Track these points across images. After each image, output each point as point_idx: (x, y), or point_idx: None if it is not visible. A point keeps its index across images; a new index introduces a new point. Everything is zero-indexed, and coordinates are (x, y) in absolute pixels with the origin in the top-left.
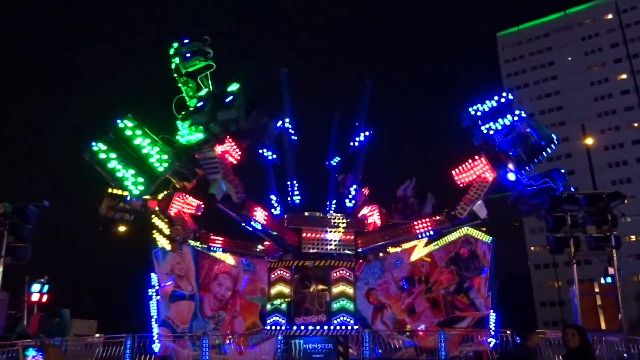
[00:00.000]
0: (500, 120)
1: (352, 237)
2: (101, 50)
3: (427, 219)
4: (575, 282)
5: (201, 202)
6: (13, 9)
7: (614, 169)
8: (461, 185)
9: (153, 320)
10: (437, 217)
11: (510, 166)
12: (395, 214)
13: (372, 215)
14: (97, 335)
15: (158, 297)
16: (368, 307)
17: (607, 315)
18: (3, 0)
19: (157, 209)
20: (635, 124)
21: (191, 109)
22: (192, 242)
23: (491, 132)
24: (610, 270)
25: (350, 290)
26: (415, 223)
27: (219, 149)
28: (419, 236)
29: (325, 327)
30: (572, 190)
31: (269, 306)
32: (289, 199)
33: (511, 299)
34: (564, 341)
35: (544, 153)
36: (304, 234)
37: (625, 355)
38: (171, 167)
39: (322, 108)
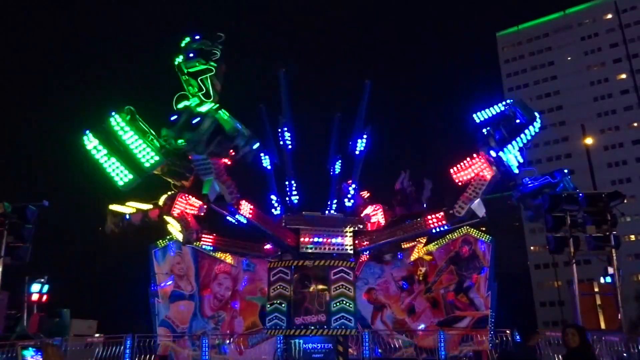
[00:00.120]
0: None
1: (351, 236)
2: (101, 50)
3: (427, 218)
4: (574, 282)
5: (204, 203)
6: (13, 9)
7: (613, 168)
8: (460, 183)
9: (153, 320)
10: (436, 216)
11: (492, 143)
12: (397, 207)
13: (376, 215)
14: (97, 335)
15: (158, 297)
16: (368, 306)
17: (606, 315)
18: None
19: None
20: (635, 124)
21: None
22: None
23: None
24: (610, 270)
25: (350, 290)
26: (413, 222)
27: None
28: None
29: (325, 327)
30: (573, 188)
31: (268, 306)
32: (287, 199)
33: (511, 299)
34: (564, 341)
35: (526, 131)
36: (302, 234)
37: (624, 355)
38: (159, 164)
39: (322, 108)
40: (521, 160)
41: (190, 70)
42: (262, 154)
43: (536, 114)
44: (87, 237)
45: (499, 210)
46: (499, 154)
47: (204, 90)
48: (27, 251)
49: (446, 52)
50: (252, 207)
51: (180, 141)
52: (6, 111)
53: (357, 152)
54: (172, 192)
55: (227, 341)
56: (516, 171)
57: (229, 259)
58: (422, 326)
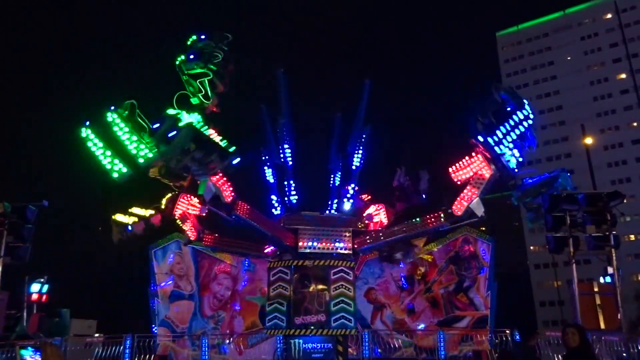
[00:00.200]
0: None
1: (350, 236)
2: (101, 50)
3: (426, 217)
4: (574, 282)
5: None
6: (13, 9)
7: (613, 168)
8: (458, 182)
9: (152, 320)
10: (435, 216)
11: (479, 128)
12: (397, 203)
13: (379, 214)
14: (97, 335)
15: (157, 297)
16: (367, 306)
17: (606, 315)
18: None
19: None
20: (635, 124)
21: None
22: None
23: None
24: (610, 270)
25: (349, 289)
26: (412, 221)
27: None
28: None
29: (325, 327)
30: (572, 185)
31: (268, 306)
32: (285, 199)
33: (511, 299)
34: (563, 341)
35: (514, 117)
36: (301, 234)
37: (624, 354)
38: (153, 160)
39: (322, 108)
40: (520, 159)
41: (189, 72)
42: (265, 166)
43: (525, 101)
44: (87, 237)
45: (499, 210)
46: (495, 148)
47: (203, 92)
48: (27, 251)
49: (446, 52)
50: (248, 207)
51: (154, 151)
52: (6, 111)
53: (356, 161)
54: (174, 193)
55: (227, 341)
56: (515, 169)
57: (229, 259)
58: (421, 326)
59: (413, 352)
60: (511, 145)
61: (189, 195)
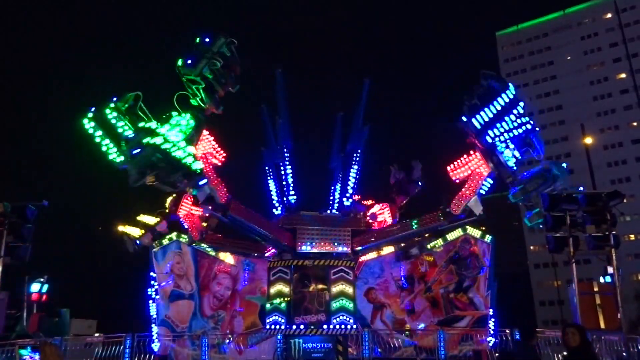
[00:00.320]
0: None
1: (349, 236)
2: (101, 50)
3: (424, 217)
4: (574, 281)
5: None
6: (13, 9)
7: (613, 168)
8: (457, 181)
9: (152, 319)
10: (433, 215)
11: (465, 110)
12: (397, 198)
13: (383, 214)
14: (97, 334)
15: (157, 297)
16: (367, 306)
17: (606, 315)
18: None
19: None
20: (635, 123)
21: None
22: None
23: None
24: (610, 270)
25: (349, 289)
26: (409, 221)
27: (199, 151)
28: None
29: (325, 327)
30: (568, 180)
31: (268, 305)
32: (284, 199)
33: (510, 298)
34: (564, 340)
35: (499, 99)
36: (299, 234)
37: (624, 354)
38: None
39: (321, 108)
40: (518, 156)
41: (186, 77)
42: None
43: (510, 84)
44: (87, 236)
45: (498, 210)
46: (487, 138)
47: (199, 97)
48: (27, 251)
49: (446, 52)
50: (243, 207)
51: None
52: (6, 111)
53: (355, 154)
54: (176, 194)
55: (227, 341)
56: (513, 167)
57: (228, 258)
58: (421, 325)
59: (413, 352)
60: (512, 146)
61: (191, 196)
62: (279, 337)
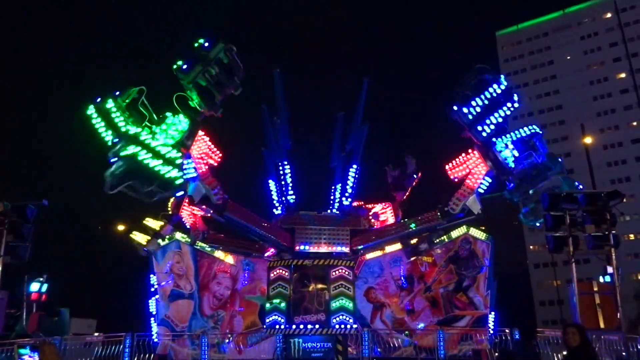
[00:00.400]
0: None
1: (348, 236)
2: (101, 50)
3: (423, 216)
4: (574, 281)
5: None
6: (13, 9)
7: (613, 167)
8: (456, 180)
9: (152, 319)
10: (431, 214)
11: (456, 100)
12: (395, 194)
13: (385, 213)
14: (97, 334)
15: (157, 296)
16: (367, 306)
17: (605, 314)
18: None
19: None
20: (635, 123)
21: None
22: (201, 243)
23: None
24: (609, 269)
25: (349, 289)
26: (406, 221)
27: (194, 151)
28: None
29: (325, 326)
30: (564, 173)
31: (268, 305)
32: (284, 198)
33: (510, 298)
34: (564, 340)
35: (490, 89)
36: (297, 234)
37: (623, 354)
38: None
39: (322, 107)
40: (517, 154)
41: (181, 81)
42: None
43: (502, 76)
44: (86, 236)
45: (498, 210)
46: (478, 130)
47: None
48: (26, 250)
49: (446, 51)
50: (240, 207)
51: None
52: (6, 110)
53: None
54: (177, 196)
55: (227, 340)
56: (512, 165)
57: (228, 258)
58: (421, 325)
59: (412, 352)
60: (511, 146)
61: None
62: (278, 336)
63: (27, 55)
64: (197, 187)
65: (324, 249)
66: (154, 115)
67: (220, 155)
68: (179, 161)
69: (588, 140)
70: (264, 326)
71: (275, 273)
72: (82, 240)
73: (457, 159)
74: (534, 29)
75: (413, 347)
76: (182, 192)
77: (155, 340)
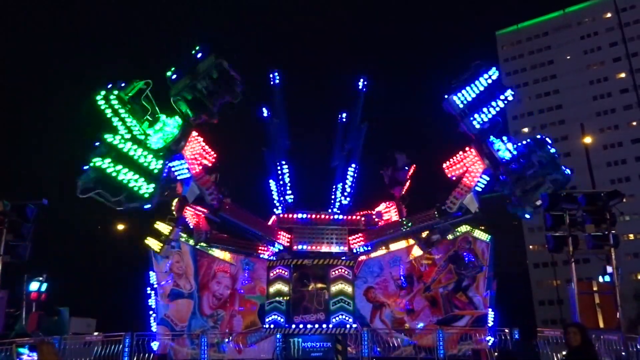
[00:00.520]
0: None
1: (346, 235)
2: (101, 50)
3: (420, 215)
4: (573, 281)
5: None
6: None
7: (612, 167)
8: (454, 178)
9: (152, 318)
10: (428, 213)
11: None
12: (394, 192)
13: (389, 212)
14: (96, 333)
15: (157, 296)
16: (367, 305)
17: (605, 314)
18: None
19: None
20: (634, 123)
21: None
22: (203, 244)
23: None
24: (609, 269)
25: (349, 288)
26: (403, 220)
27: (187, 151)
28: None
29: (324, 326)
30: (556, 156)
31: (267, 305)
32: (281, 198)
33: (510, 298)
34: (565, 340)
35: (481, 79)
36: (295, 233)
37: (623, 353)
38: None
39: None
40: (513, 150)
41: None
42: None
43: (494, 67)
44: (86, 235)
45: (498, 209)
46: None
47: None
48: (26, 249)
49: (446, 51)
50: (235, 207)
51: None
52: (6, 110)
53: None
54: (179, 197)
55: (226, 340)
56: (506, 158)
57: (228, 257)
58: (421, 325)
59: (412, 351)
60: (505, 139)
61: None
62: (278, 336)
63: (27, 55)
64: (191, 188)
65: (321, 248)
66: (157, 109)
67: (215, 155)
68: (157, 172)
69: (588, 140)
70: (264, 326)
71: (274, 272)
72: (82, 240)
73: (454, 158)
74: (534, 28)
75: (412, 347)
76: (148, 206)
77: (155, 339)
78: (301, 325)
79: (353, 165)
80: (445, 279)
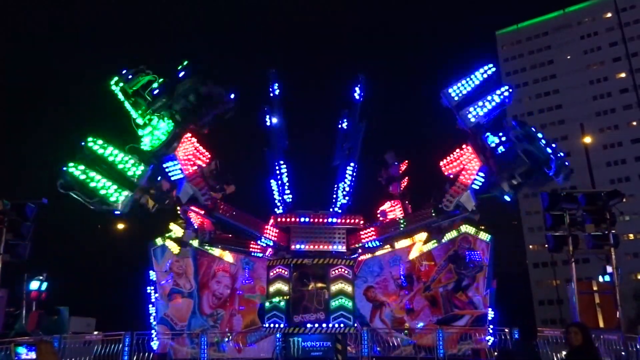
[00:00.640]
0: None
1: (345, 235)
2: (102, 50)
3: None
4: (573, 281)
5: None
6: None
7: (612, 167)
8: (451, 176)
9: (152, 318)
10: (425, 212)
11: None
12: (392, 190)
13: (394, 211)
14: (96, 332)
15: (156, 295)
16: (367, 305)
17: (605, 314)
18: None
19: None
20: (634, 123)
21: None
22: (207, 244)
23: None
24: (609, 269)
25: (349, 288)
26: (400, 220)
27: (180, 152)
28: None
29: (324, 325)
30: (534, 132)
31: (267, 304)
32: (280, 197)
33: (510, 297)
34: (566, 339)
35: (477, 73)
36: (293, 233)
37: (623, 353)
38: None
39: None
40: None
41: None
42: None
43: (491, 64)
44: (86, 235)
45: (497, 209)
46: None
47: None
48: (26, 248)
49: (446, 51)
50: (230, 207)
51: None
52: (6, 109)
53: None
54: None
55: (226, 339)
56: (497, 152)
57: (227, 257)
58: (420, 324)
59: (412, 351)
60: (502, 135)
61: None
62: (278, 335)
63: (27, 55)
64: (184, 188)
65: (319, 247)
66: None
67: (209, 156)
68: (138, 176)
69: (587, 139)
70: (264, 325)
71: (274, 272)
72: (82, 240)
73: (451, 155)
74: (534, 28)
75: (412, 347)
76: (118, 212)
77: (155, 339)
78: (301, 325)
79: (352, 165)
80: (445, 279)
